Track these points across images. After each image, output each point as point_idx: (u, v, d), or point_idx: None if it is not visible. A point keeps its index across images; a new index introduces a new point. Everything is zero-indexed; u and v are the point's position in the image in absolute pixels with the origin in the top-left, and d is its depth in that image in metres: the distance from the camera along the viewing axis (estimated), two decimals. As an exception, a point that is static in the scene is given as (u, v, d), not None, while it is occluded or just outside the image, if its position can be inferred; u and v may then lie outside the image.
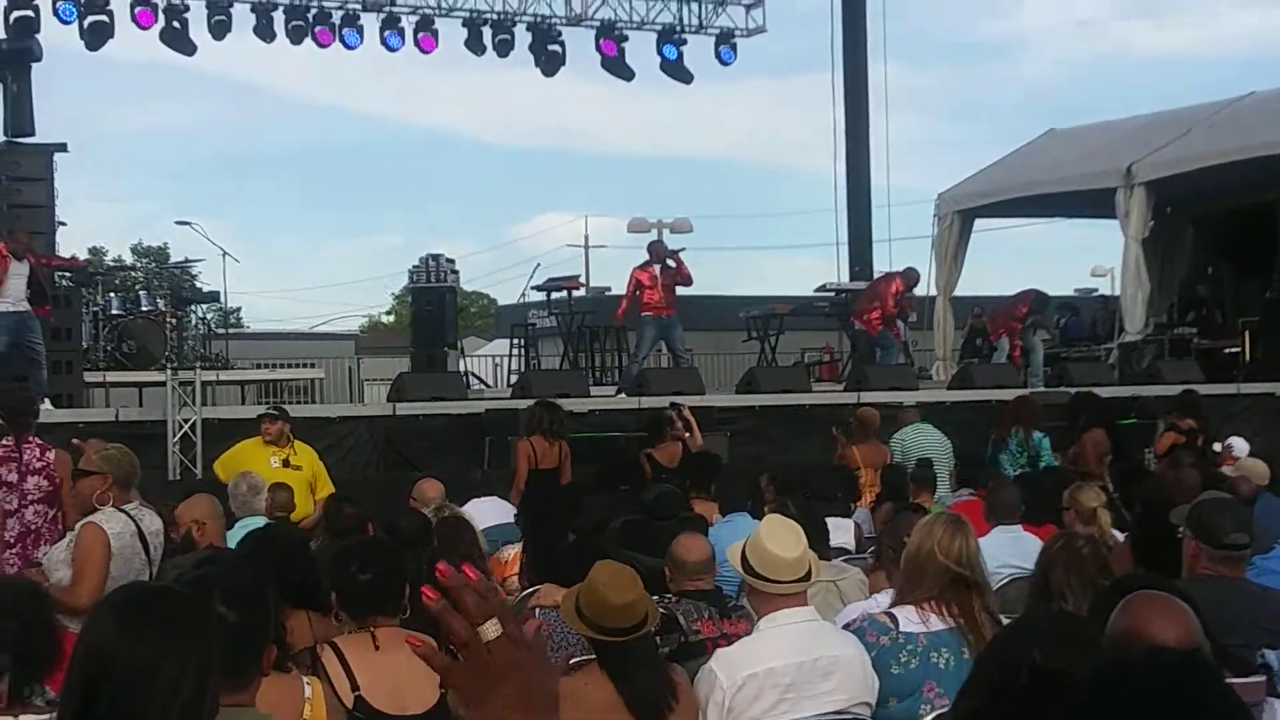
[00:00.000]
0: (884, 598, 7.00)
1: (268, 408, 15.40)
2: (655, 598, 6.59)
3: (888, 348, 22.40)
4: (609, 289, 36.61)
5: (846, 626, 6.68)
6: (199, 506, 8.80)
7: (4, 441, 11.29)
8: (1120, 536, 9.64)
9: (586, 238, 54.17)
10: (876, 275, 26.02)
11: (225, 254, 24.70)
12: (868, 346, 23.24)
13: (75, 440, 11.78)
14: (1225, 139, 25.31)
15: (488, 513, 11.76)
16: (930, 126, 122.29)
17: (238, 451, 14.44)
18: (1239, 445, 15.45)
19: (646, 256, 20.74)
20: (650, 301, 20.40)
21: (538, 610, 7.64)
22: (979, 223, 29.05)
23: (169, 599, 3.82)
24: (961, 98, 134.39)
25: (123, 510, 8.11)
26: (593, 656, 6.14)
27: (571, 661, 6.67)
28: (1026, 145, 31.10)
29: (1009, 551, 9.53)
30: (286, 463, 13.90)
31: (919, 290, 23.76)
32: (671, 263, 20.50)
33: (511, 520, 11.66)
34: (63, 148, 21.01)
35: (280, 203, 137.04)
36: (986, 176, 29.55)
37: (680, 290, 20.61)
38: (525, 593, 8.36)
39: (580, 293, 27.24)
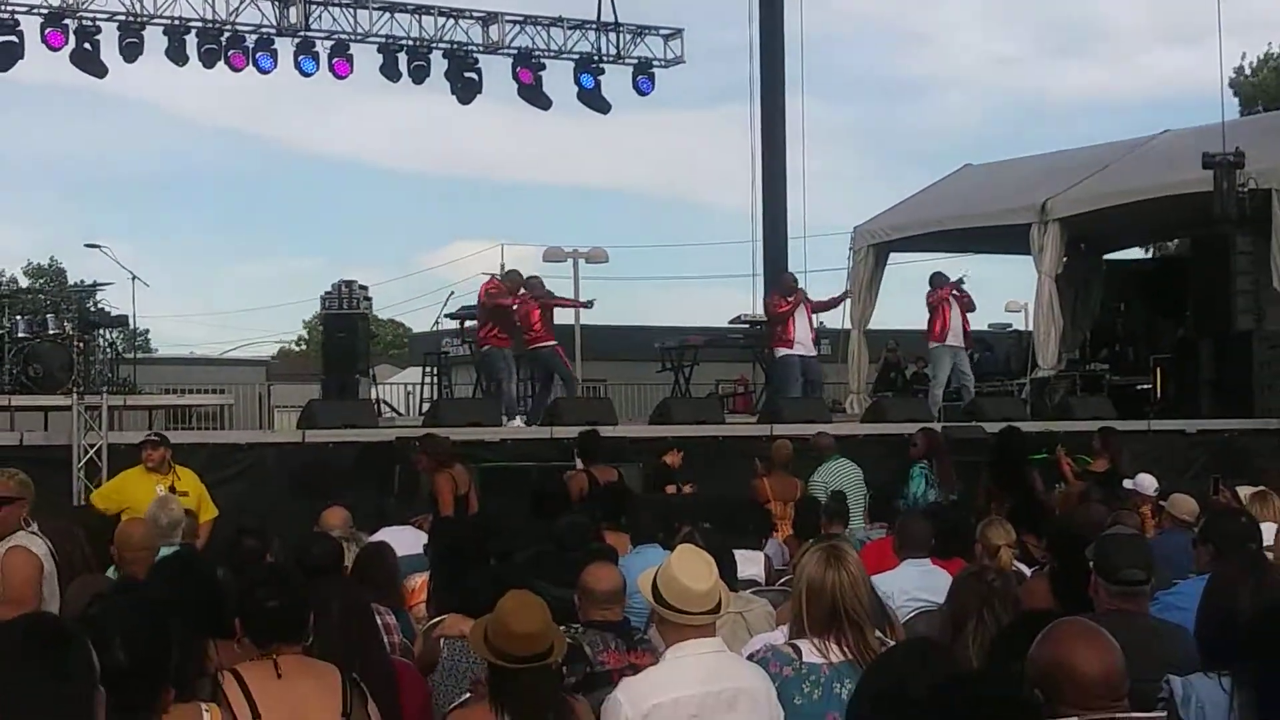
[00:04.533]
0: (788, 630, 6.97)
1: (149, 433, 15.27)
2: (562, 628, 6.55)
3: (784, 379, 22.41)
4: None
5: (750, 657, 6.66)
6: (145, 536, 8.73)
7: None
8: (1026, 570, 9.66)
9: (502, 265, 53.88)
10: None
11: (135, 277, 24.43)
12: (774, 377, 23.28)
13: None
14: (1139, 177, 25.55)
15: (398, 542, 11.63)
16: (848, 161, 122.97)
17: (121, 482, 14.30)
18: (1146, 481, 15.53)
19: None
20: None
21: (442, 640, 7.57)
22: (894, 256, 29.17)
23: (51, 633, 3.77)
24: (880, 134, 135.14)
25: (35, 533, 8.16)
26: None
27: (461, 699, 6.63)
28: (942, 180, 31.29)
29: (917, 584, 9.55)
30: (172, 489, 13.74)
31: (834, 322, 23.77)
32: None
33: (420, 550, 11.57)
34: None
35: (191, 227, 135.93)
36: (902, 211, 29.69)
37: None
38: (431, 622, 8.29)
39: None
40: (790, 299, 22.22)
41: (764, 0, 28.90)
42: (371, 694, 6.01)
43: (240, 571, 7.68)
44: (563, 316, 24.36)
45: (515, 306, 20.62)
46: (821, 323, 25.16)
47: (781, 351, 22.24)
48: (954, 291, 22.85)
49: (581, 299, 23.47)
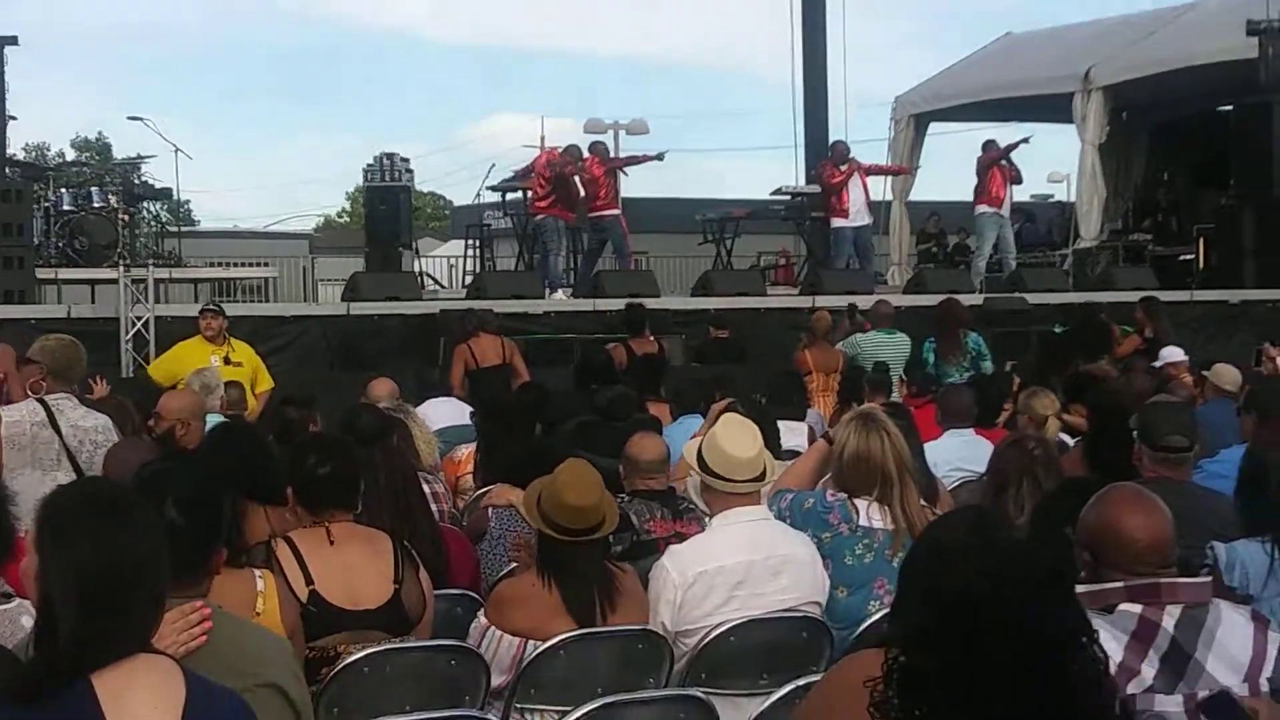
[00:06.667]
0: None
1: (207, 303, 15.36)
2: (609, 497, 6.61)
3: (835, 250, 22.36)
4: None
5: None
6: (184, 404, 8.75)
7: None
8: (1069, 441, 9.70)
9: (543, 138, 53.76)
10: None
11: (177, 150, 24.44)
12: (824, 245, 23.28)
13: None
14: (1184, 44, 25.26)
15: (444, 414, 11.73)
16: (889, 31, 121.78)
17: (177, 352, 14.36)
18: (1173, 354, 15.35)
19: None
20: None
21: (490, 510, 7.65)
22: (934, 126, 29.01)
23: (123, 493, 3.84)
24: (922, 2, 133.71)
25: (42, 400, 8.07)
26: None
27: (508, 569, 6.72)
28: (984, 49, 31.00)
29: (960, 455, 9.59)
30: (227, 360, 13.88)
31: (875, 194, 23.62)
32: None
33: (467, 421, 11.65)
34: (13, 41, 20.73)
35: (229, 99, 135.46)
36: (943, 80, 29.47)
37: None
38: (479, 492, 8.37)
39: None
40: (843, 168, 22.13)
41: None
42: (421, 561, 6.09)
43: (285, 441, 7.77)
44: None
45: (580, 174, 20.40)
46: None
47: (837, 223, 22.17)
48: (1003, 160, 22.67)
49: (651, 153, 23.04)
